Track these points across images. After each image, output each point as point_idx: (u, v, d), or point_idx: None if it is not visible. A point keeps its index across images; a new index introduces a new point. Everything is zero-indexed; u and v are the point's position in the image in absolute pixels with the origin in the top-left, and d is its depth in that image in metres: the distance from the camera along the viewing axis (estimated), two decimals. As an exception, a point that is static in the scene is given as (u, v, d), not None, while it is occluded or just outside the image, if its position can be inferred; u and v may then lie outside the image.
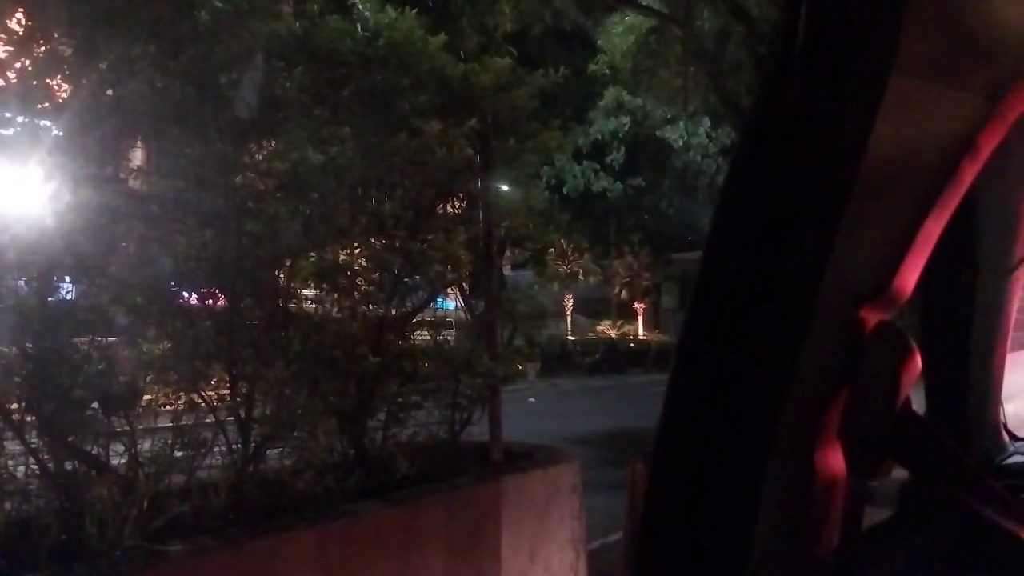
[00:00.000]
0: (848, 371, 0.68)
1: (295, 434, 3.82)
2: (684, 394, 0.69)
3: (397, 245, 4.16)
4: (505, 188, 5.37)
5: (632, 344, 33.79)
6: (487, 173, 5.00)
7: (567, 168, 29.97)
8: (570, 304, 34.53)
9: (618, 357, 31.11)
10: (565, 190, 30.22)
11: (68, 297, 3.72)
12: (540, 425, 14.16)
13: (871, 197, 0.65)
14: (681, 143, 29.45)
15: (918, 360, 0.71)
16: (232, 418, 3.69)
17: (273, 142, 4.04)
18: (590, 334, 33.97)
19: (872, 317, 0.69)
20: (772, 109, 0.66)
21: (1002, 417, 1.48)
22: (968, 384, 1.40)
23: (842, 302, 0.67)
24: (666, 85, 16.49)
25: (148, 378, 3.50)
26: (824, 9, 0.64)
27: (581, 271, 34.43)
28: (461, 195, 4.94)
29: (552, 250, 31.55)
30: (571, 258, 33.57)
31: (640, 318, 36.45)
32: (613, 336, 33.94)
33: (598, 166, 30.94)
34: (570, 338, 32.77)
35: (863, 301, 0.69)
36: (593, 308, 36.19)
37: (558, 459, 4.88)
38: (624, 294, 36.32)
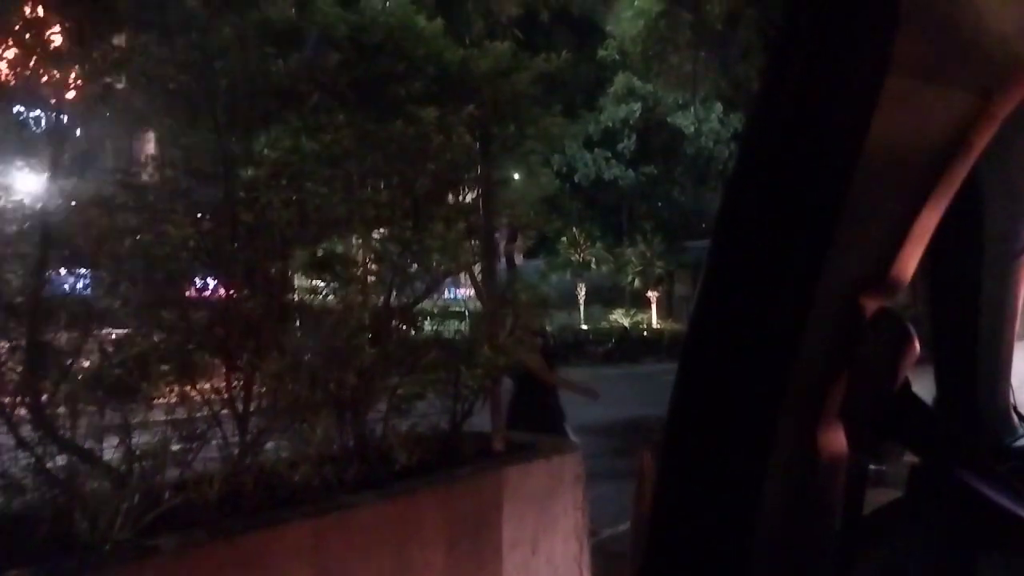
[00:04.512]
0: (848, 355, 0.71)
1: (293, 426, 3.78)
2: (691, 378, 0.71)
3: (394, 235, 4.09)
4: (507, 175, 5.30)
5: (646, 332, 33.64)
6: (487, 160, 4.93)
7: (578, 156, 29.79)
8: (583, 293, 34.43)
9: (631, 346, 30.99)
10: (576, 178, 30.07)
11: (64, 288, 3.70)
12: (549, 414, 14.01)
13: (869, 190, 0.67)
14: (693, 130, 29.17)
15: (916, 345, 0.73)
16: (227, 411, 3.66)
17: (267, 130, 3.99)
18: (603, 323, 33.85)
19: (871, 303, 0.71)
20: (774, 106, 0.69)
21: (1012, 400, 1.48)
22: (977, 368, 1.40)
23: (842, 289, 0.70)
24: (676, 70, 16.29)
25: (142, 370, 3.47)
26: (823, 13, 0.67)
27: (593, 259, 34.26)
28: (461, 183, 4.87)
29: (564, 239, 31.42)
30: (583, 247, 33.43)
31: (654, 306, 36.28)
32: (626, 325, 33.80)
33: (609, 154, 30.73)
34: (583, 327, 32.71)
35: (862, 288, 0.71)
36: (606, 297, 36.04)
37: (561, 449, 4.82)
38: (637, 282, 36.13)
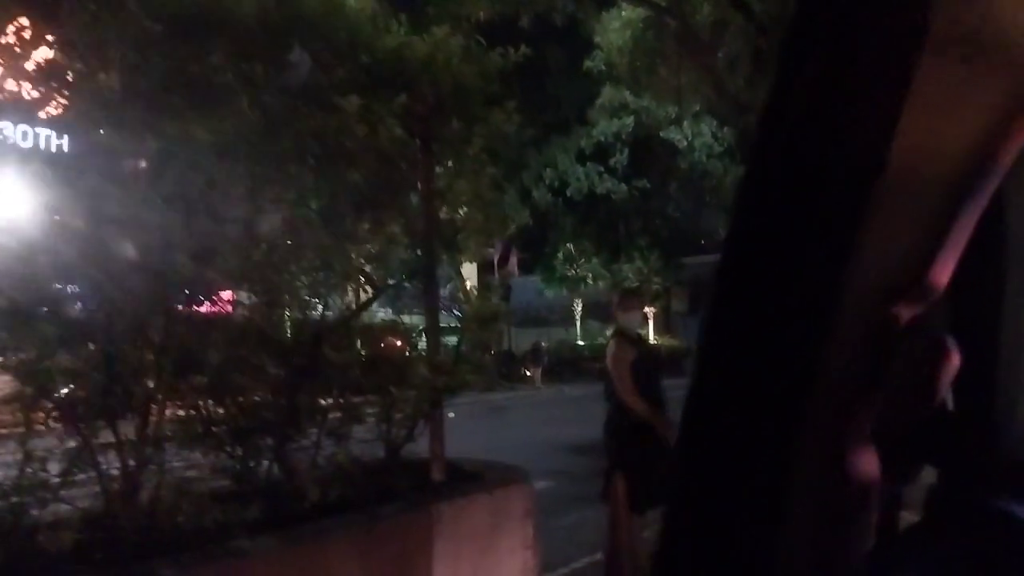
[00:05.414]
0: (880, 370, 0.64)
1: (181, 457, 3.28)
2: (705, 398, 0.66)
3: (309, 238, 3.61)
4: (453, 174, 4.81)
5: (643, 349, 33.21)
6: (428, 157, 4.46)
7: (570, 170, 29.55)
8: (579, 309, 34.30)
9: (628, 362, 30.54)
10: (568, 192, 29.82)
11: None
12: (538, 433, 13.59)
13: (902, 183, 0.60)
14: (685, 144, 28.90)
15: (955, 358, 0.66)
16: (101, 440, 3.16)
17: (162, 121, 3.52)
18: (600, 339, 33.57)
19: (905, 313, 0.65)
20: (792, 93, 0.61)
21: None
22: (996, 383, 1.23)
23: (872, 297, 0.63)
24: (665, 82, 15.93)
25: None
26: None
27: (589, 275, 34.20)
28: (395, 182, 4.38)
29: (560, 254, 31.18)
30: (579, 262, 33.28)
31: (651, 323, 36.01)
32: (623, 341, 33.37)
33: (602, 168, 30.47)
34: (579, 343, 32.49)
35: (895, 295, 0.64)
36: (603, 313, 35.88)
37: (508, 480, 4.31)
38: (634, 299, 35.76)
